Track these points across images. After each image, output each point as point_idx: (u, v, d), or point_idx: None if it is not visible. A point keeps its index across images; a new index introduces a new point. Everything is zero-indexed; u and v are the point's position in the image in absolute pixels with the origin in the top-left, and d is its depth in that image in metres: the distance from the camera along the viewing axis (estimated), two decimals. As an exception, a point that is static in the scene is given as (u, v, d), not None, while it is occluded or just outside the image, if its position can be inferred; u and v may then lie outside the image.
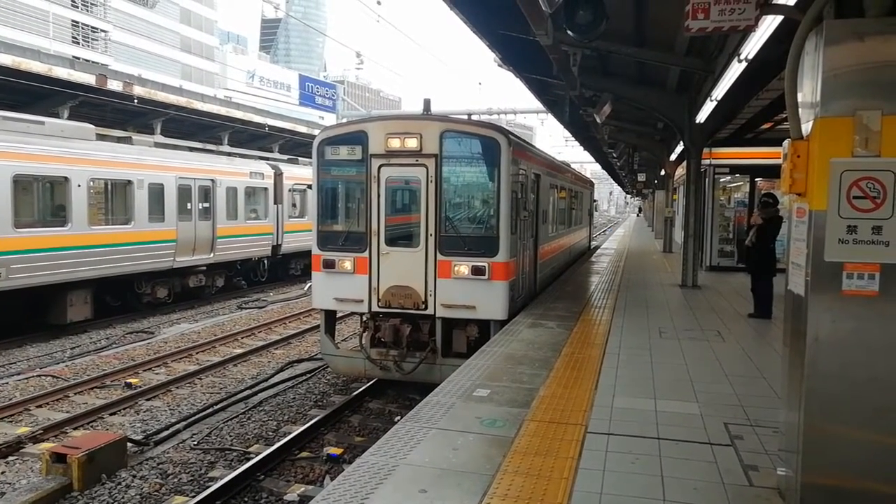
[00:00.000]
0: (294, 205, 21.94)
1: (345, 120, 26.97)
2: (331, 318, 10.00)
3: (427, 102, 10.66)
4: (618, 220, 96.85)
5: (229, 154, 20.45)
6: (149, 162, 15.63)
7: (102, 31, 60.56)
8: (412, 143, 9.02)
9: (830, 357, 3.47)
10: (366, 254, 9.29)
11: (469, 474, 4.26)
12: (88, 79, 16.29)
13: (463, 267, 8.95)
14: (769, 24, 6.68)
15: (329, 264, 9.45)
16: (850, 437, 3.47)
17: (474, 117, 26.38)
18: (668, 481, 4.20)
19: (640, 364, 7.16)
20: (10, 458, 7.36)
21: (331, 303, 9.61)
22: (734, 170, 17.34)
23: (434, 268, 9.05)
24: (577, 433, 5.01)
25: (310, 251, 10.01)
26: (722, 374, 6.86)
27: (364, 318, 9.62)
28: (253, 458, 7.14)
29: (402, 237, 9.35)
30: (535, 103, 20.43)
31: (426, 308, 9.10)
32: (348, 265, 9.36)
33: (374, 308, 9.31)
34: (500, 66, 13.73)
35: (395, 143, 9.09)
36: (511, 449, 4.68)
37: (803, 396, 3.51)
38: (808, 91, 3.61)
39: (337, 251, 9.47)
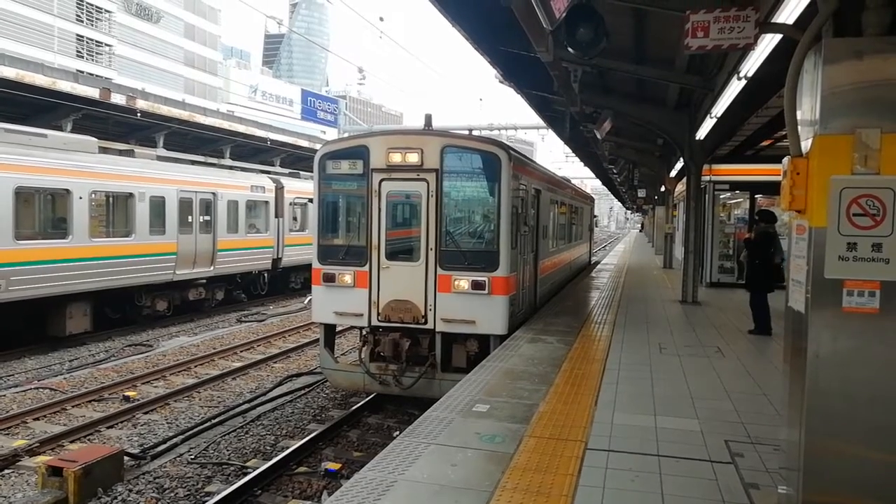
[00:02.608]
0: (294, 218, 21.98)
1: (346, 134, 27.08)
2: (330, 331, 9.97)
3: (428, 118, 10.70)
4: (618, 235, 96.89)
5: (231, 167, 20.52)
6: (150, 175, 15.68)
7: (107, 45, 61.04)
8: (413, 158, 9.05)
9: (831, 374, 3.45)
10: (366, 268, 9.29)
11: (468, 491, 4.22)
12: (92, 92, 16.39)
13: (463, 281, 8.94)
14: (768, 43, 6.74)
15: (329, 278, 9.45)
16: (851, 456, 3.44)
17: (475, 132, 26.48)
18: (668, 499, 4.17)
19: (640, 380, 7.13)
20: (6, 471, 7.30)
21: (330, 316, 9.59)
22: (734, 186, 17.38)
23: (434, 282, 9.04)
24: (576, 449, 4.98)
25: (310, 265, 10.01)
26: (722, 390, 6.83)
27: (364, 332, 9.59)
28: (250, 472, 7.09)
29: (402, 251, 9.35)
30: (536, 119, 20.55)
31: (426, 322, 9.08)
32: (348, 279, 9.35)
33: (374, 322, 9.29)
34: (501, 82, 13.82)
35: (396, 158, 9.12)
36: (510, 465, 4.65)
37: (804, 414, 3.49)
38: (807, 109, 3.63)
39: (337, 265, 9.46)
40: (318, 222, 9.83)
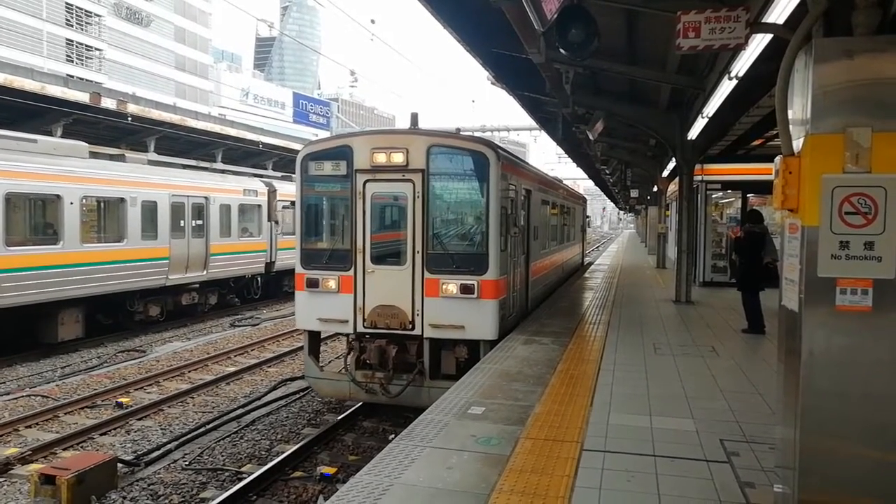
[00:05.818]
0: (285, 222, 21.88)
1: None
2: (315, 338, 9.71)
3: (414, 116, 10.21)
4: (611, 235, 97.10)
5: (223, 171, 20.44)
6: (142, 179, 15.61)
7: (97, 49, 60.74)
8: (398, 158, 8.81)
9: (825, 373, 3.46)
10: (351, 272, 9.04)
11: (464, 493, 4.21)
12: (82, 97, 16.30)
13: (451, 285, 8.70)
14: (759, 43, 6.76)
15: (313, 283, 9.19)
16: (846, 454, 3.45)
17: (468, 134, 26.41)
18: (664, 499, 4.17)
19: (635, 380, 7.14)
20: (-2, 479, 7.25)
21: (315, 323, 9.31)
22: (726, 186, 17.47)
23: (421, 286, 8.79)
24: (572, 451, 4.97)
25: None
26: (717, 389, 6.85)
27: (349, 339, 9.31)
28: (245, 478, 7.06)
29: (388, 255, 9.11)
30: (529, 120, 20.58)
31: (413, 328, 8.83)
32: (332, 284, 9.09)
33: (360, 328, 9.02)
34: (493, 83, 13.84)
35: (380, 158, 8.88)
36: (506, 467, 4.64)
37: (798, 413, 3.49)
38: (798, 108, 3.64)
39: (321, 269, 9.22)
40: (301, 225, 9.55)
